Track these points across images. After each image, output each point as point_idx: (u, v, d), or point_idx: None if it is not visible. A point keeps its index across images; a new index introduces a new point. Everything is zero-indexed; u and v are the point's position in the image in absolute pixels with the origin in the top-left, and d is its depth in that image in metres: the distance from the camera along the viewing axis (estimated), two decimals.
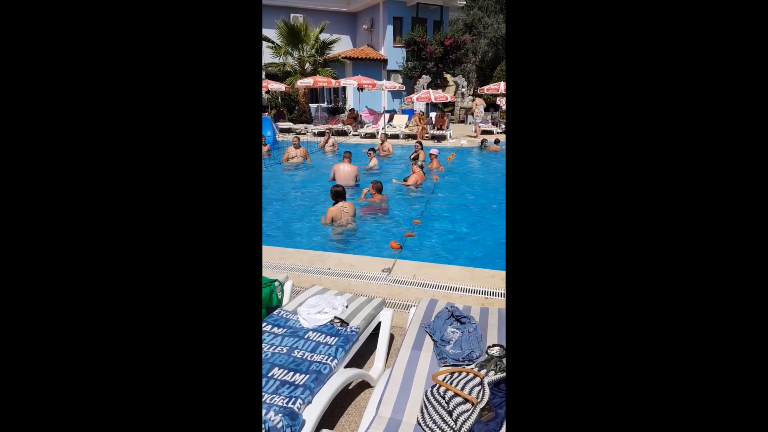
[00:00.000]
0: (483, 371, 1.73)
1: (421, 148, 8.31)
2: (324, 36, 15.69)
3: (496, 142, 10.81)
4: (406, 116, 14.71)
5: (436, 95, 13.74)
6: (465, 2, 19.45)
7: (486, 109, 16.63)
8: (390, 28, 17.77)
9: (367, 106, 16.67)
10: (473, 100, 17.46)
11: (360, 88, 14.77)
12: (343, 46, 18.34)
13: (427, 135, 12.58)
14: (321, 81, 13.87)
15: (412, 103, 15.82)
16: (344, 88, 17.81)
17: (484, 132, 13.40)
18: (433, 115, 14.18)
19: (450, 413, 1.56)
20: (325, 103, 18.37)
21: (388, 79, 17.68)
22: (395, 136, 12.92)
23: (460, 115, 17.66)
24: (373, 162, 8.02)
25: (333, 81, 14.26)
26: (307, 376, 1.82)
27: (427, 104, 15.96)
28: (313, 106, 16.94)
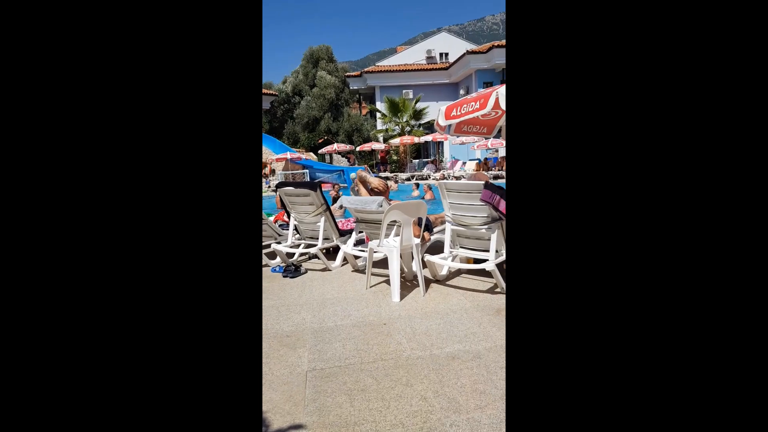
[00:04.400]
0: None
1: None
2: (420, 105, 20.92)
3: None
4: (476, 161, 18.39)
5: (493, 142, 16.96)
6: None
7: None
8: (481, 90, 20.45)
9: (453, 156, 20.81)
10: None
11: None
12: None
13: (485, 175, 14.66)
14: (406, 140, 18.71)
15: (497, 151, 19.38)
16: (441, 143, 22.15)
17: None
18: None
19: None
20: (430, 156, 23.04)
21: None
22: (461, 177, 15.77)
23: None
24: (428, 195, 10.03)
25: (416, 138, 19.07)
26: None
27: None
28: (420, 160, 22.03)
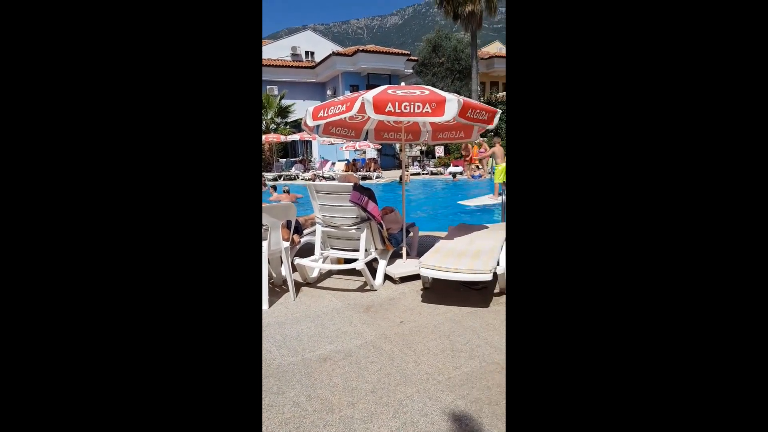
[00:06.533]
0: None
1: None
2: (285, 102, 20.45)
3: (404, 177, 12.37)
4: (345, 162, 18.52)
5: (361, 144, 17.15)
6: (411, 71, 23.11)
7: (428, 156, 20.98)
8: (348, 94, 20.01)
9: (323, 157, 20.61)
10: (422, 151, 21.49)
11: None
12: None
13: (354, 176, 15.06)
14: (272, 138, 18.18)
15: (364, 153, 19.91)
16: (310, 143, 21.88)
17: (413, 174, 17.33)
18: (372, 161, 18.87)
19: None
20: (298, 156, 22.55)
21: None
22: (331, 178, 16.08)
23: (409, 162, 21.08)
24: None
25: (282, 137, 18.43)
26: None
27: (378, 151, 20.49)
28: (288, 160, 21.66)
